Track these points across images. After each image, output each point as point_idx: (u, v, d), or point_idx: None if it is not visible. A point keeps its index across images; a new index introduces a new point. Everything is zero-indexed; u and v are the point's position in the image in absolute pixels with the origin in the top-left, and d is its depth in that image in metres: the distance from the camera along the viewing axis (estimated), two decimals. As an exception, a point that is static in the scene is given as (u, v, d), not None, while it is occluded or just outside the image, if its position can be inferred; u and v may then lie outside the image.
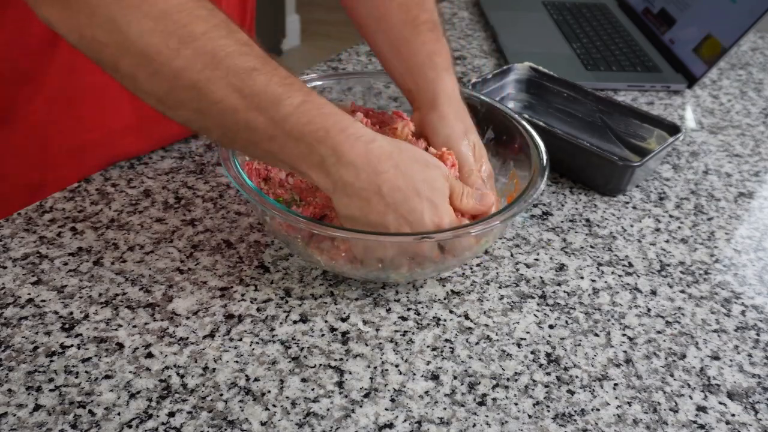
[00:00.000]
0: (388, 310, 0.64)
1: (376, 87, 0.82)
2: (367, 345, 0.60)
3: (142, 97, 0.54)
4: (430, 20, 0.71)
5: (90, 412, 0.53)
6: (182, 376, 0.56)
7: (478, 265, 0.70)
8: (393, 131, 0.69)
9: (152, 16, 0.50)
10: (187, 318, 0.61)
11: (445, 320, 0.63)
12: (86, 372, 0.56)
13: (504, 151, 0.74)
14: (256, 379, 0.56)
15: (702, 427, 0.56)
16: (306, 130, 0.53)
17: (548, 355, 0.61)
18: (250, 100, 0.52)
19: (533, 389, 0.57)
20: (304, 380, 0.57)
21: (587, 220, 0.78)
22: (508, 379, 0.58)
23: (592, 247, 0.74)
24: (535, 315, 0.65)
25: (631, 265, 0.72)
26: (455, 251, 0.62)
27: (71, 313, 0.61)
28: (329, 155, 0.54)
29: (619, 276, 0.70)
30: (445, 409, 0.55)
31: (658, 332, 0.64)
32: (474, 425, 0.54)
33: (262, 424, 0.53)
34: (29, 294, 0.62)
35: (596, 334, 0.63)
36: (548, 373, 0.59)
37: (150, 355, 0.58)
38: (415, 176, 0.56)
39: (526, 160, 0.69)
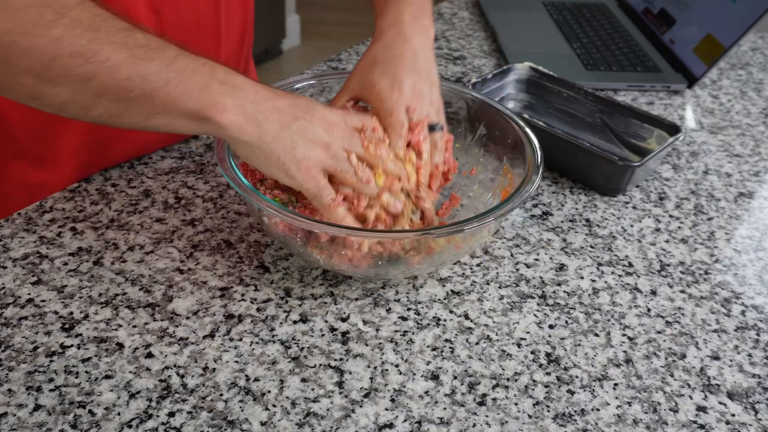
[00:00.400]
0: (388, 310, 0.64)
1: None
2: (367, 345, 0.60)
3: (11, 86, 0.53)
4: None
5: (90, 412, 0.53)
6: (182, 376, 0.56)
7: (478, 265, 0.70)
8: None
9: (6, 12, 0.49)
10: (187, 318, 0.61)
11: (445, 320, 0.63)
12: (86, 372, 0.56)
13: (497, 148, 0.74)
14: (256, 379, 0.56)
15: (702, 427, 0.56)
16: (197, 64, 0.55)
17: (548, 355, 0.61)
18: (136, 51, 0.52)
19: (533, 389, 0.57)
20: (304, 380, 0.57)
21: (587, 220, 0.78)
22: (508, 379, 0.58)
23: (592, 247, 0.74)
24: (535, 315, 0.65)
25: (631, 265, 0.72)
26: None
27: (71, 313, 0.61)
28: (223, 78, 0.56)
29: (619, 276, 0.70)
30: (445, 409, 0.55)
31: (658, 332, 0.64)
32: (474, 425, 0.54)
33: (262, 424, 0.53)
34: (29, 294, 0.62)
35: (596, 334, 0.63)
36: (548, 373, 0.59)
37: (150, 355, 0.58)
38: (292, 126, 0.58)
39: (521, 157, 0.69)
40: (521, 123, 0.71)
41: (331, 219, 0.60)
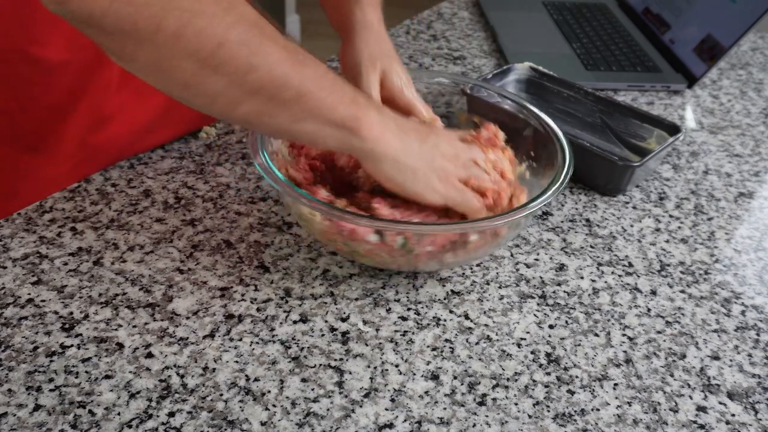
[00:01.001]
0: (388, 310, 0.64)
1: None
2: (367, 345, 0.60)
3: (172, 69, 0.51)
4: None
5: (90, 412, 0.53)
6: (182, 376, 0.56)
7: (478, 265, 0.70)
8: None
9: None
10: (187, 318, 0.61)
11: (445, 320, 0.63)
12: (86, 372, 0.56)
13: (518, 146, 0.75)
14: (256, 379, 0.56)
15: (702, 427, 0.56)
16: (342, 79, 0.57)
17: (548, 355, 0.61)
18: (294, 54, 0.54)
19: (533, 389, 0.57)
20: (304, 380, 0.57)
21: (587, 220, 0.78)
22: (508, 379, 0.58)
23: (592, 247, 0.74)
24: (535, 315, 0.65)
25: (631, 265, 0.72)
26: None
27: (71, 313, 0.61)
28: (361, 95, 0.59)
29: (619, 276, 0.70)
30: (445, 409, 0.55)
31: (658, 332, 0.64)
32: (474, 425, 0.54)
33: (262, 424, 0.53)
34: (29, 294, 0.62)
35: (596, 334, 0.63)
36: (548, 373, 0.59)
37: (150, 355, 0.58)
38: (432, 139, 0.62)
39: (542, 154, 0.71)
40: (547, 119, 0.73)
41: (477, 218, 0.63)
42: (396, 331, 0.62)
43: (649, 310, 0.67)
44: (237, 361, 0.58)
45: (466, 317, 0.64)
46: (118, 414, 0.53)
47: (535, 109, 0.75)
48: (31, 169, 0.77)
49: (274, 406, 0.54)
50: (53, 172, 0.77)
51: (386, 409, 0.55)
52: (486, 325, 0.63)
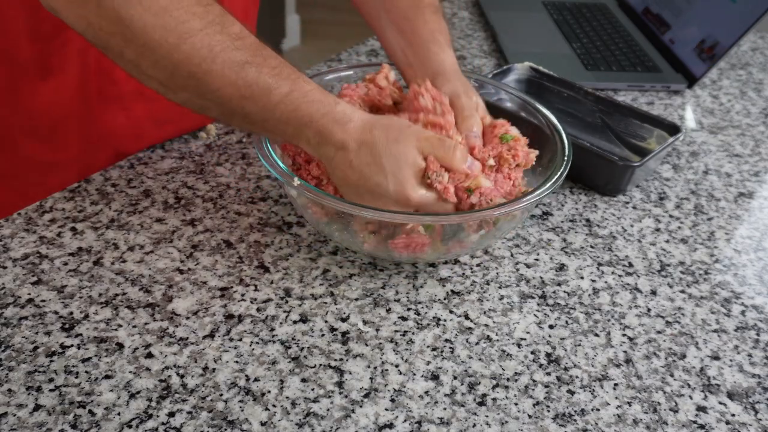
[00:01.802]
0: (388, 310, 0.64)
1: None
2: (367, 345, 0.60)
3: (144, 81, 0.58)
4: (432, 4, 0.74)
5: (90, 412, 0.53)
6: (182, 376, 0.56)
7: (478, 265, 0.70)
8: (372, 81, 0.72)
9: (153, 12, 0.54)
10: (187, 318, 0.61)
11: (445, 320, 0.63)
12: (86, 372, 0.56)
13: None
14: (256, 379, 0.56)
15: (702, 427, 0.56)
16: (293, 116, 0.59)
17: (548, 355, 0.61)
18: (243, 91, 0.57)
19: (533, 389, 0.57)
20: (304, 380, 0.57)
21: (587, 220, 0.78)
22: (508, 379, 0.58)
23: (592, 247, 0.74)
24: (535, 315, 0.65)
25: (631, 265, 0.72)
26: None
27: (71, 313, 0.61)
28: (313, 136, 0.60)
29: (619, 276, 0.70)
30: (445, 409, 0.55)
31: (658, 332, 0.64)
32: (474, 425, 0.54)
33: (262, 424, 0.53)
34: (29, 294, 0.62)
35: (596, 334, 0.63)
36: (548, 373, 0.59)
37: (150, 355, 0.58)
38: (382, 152, 0.60)
39: (544, 150, 0.71)
40: (545, 111, 0.74)
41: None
42: (396, 331, 0.62)
43: (649, 310, 0.67)
44: (237, 361, 0.58)
45: (466, 317, 0.64)
46: (118, 414, 0.53)
47: (538, 105, 0.75)
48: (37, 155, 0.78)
49: (274, 406, 0.54)
50: (61, 158, 0.78)
51: (386, 409, 0.55)
52: (486, 325, 0.63)
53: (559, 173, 0.65)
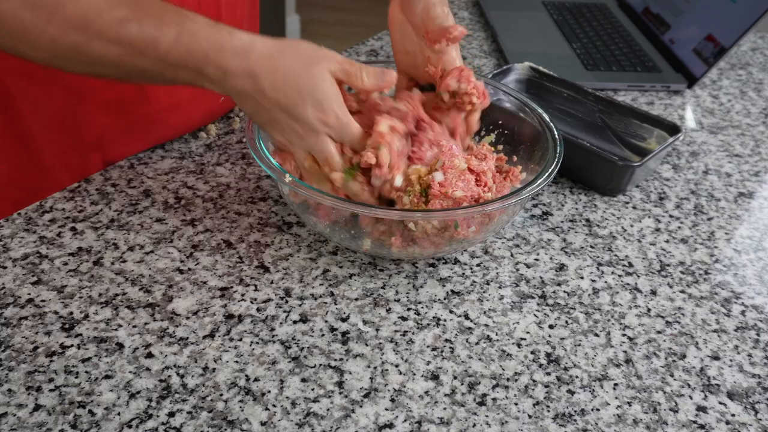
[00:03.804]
0: (388, 310, 0.64)
1: None
2: (367, 345, 0.60)
3: (35, 62, 0.58)
4: None
5: (90, 412, 0.53)
6: (182, 376, 0.56)
7: (478, 265, 0.70)
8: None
9: None
10: (187, 318, 0.61)
11: (445, 320, 0.63)
12: (86, 372, 0.56)
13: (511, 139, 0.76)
14: (256, 379, 0.56)
15: (702, 427, 0.56)
16: (189, 60, 0.57)
17: (548, 355, 0.61)
18: (129, 48, 0.56)
19: (533, 389, 0.57)
20: (304, 380, 0.57)
21: (587, 220, 0.78)
22: (508, 379, 0.58)
23: (592, 247, 0.74)
24: (535, 315, 0.65)
25: (631, 265, 0.72)
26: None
27: (71, 313, 0.61)
28: (215, 74, 0.58)
29: (619, 276, 0.70)
30: (445, 409, 0.55)
31: (658, 332, 0.64)
32: (474, 425, 0.54)
33: (262, 424, 0.53)
34: (29, 294, 0.62)
35: (596, 334, 0.63)
36: (548, 373, 0.59)
37: (150, 355, 0.58)
38: (297, 74, 0.58)
39: (532, 149, 0.71)
40: (538, 108, 0.74)
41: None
42: (396, 331, 0.62)
43: (649, 310, 0.67)
44: (237, 361, 0.58)
45: (466, 317, 0.64)
46: (118, 414, 0.53)
47: (533, 104, 0.75)
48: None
49: (274, 406, 0.54)
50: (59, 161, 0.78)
51: (386, 409, 0.55)
52: (486, 325, 0.63)
53: (551, 169, 0.66)
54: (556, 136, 0.70)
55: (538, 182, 0.64)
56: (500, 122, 0.78)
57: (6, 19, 0.53)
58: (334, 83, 0.60)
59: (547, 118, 0.73)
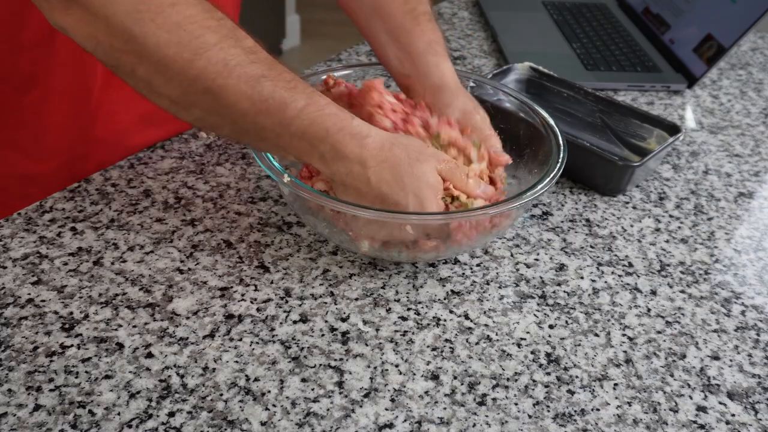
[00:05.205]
0: (388, 310, 0.64)
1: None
2: (367, 345, 0.60)
3: (155, 99, 0.57)
4: (427, 12, 0.73)
5: (90, 412, 0.53)
6: (182, 376, 0.56)
7: (478, 265, 0.70)
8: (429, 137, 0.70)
9: (166, 29, 0.53)
10: (187, 318, 0.61)
11: (445, 320, 0.63)
12: (86, 372, 0.56)
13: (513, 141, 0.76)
14: (256, 379, 0.56)
15: (702, 427, 0.56)
16: (308, 131, 0.58)
17: (548, 355, 0.61)
18: (259, 105, 0.56)
19: (533, 389, 0.57)
20: (304, 380, 0.57)
21: (587, 220, 0.78)
22: (508, 379, 0.58)
23: (592, 247, 0.74)
24: (535, 315, 0.65)
25: (631, 265, 0.72)
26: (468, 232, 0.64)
27: (71, 313, 0.61)
28: (328, 151, 0.58)
29: (619, 276, 0.70)
30: (445, 409, 0.55)
31: (658, 332, 0.64)
32: (474, 425, 0.54)
33: (262, 424, 0.53)
34: (29, 294, 0.62)
35: (596, 334, 0.63)
36: (548, 373, 0.59)
37: (150, 355, 0.58)
38: (403, 170, 0.59)
39: (534, 153, 0.71)
40: (541, 111, 0.75)
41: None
42: (396, 331, 0.62)
43: (649, 310, 0.67)
44: (237, 361, 0.58)
45: (466, 317, 0.64)
46: (118, 414, 0.53)
47: (535, 105, 0.75)
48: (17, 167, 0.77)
49: (274, 406, 0.54)
50: (41, 170, 0.77)
51: (386, 409, 0.55)
52: (486, 325, 0.63)
53: (554, 172, 0.66)
54: (560, 141, 0.70)
55: (540, 186, 0.64)
56: (501, 126, 0.78)
57: (151, 50, 0.53)
58: (439, 180, 0.61)
59: (551, 121, 0.73)
